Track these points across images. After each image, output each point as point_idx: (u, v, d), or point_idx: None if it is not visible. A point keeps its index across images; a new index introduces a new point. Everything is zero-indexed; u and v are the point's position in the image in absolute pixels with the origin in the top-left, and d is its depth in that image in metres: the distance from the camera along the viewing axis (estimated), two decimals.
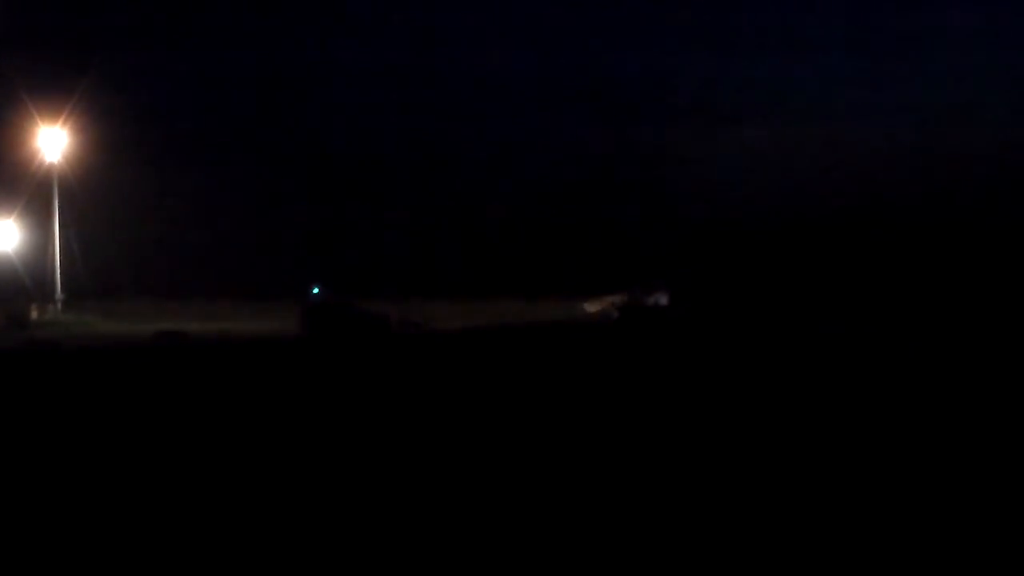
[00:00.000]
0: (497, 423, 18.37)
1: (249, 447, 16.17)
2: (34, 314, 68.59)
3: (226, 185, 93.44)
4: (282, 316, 66.90)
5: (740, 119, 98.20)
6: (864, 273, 68.53)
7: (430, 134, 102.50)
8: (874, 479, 12.94)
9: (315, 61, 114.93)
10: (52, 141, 75.20)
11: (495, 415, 19.42)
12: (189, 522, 11.21)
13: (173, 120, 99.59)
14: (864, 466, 13.72)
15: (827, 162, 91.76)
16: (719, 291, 66.19)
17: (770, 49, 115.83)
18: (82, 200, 75.72)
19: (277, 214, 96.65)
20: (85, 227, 76.84)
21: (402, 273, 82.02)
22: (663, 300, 66.40)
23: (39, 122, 74.66)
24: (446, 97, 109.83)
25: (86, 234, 76.81)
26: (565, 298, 72.90)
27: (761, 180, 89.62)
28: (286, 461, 14.77)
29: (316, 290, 72.31)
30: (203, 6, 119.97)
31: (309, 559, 9.86)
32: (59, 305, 72.85)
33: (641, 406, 20.45)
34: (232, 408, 21.62)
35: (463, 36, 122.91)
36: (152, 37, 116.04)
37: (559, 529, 10.63)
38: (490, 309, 66.90)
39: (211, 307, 71.88)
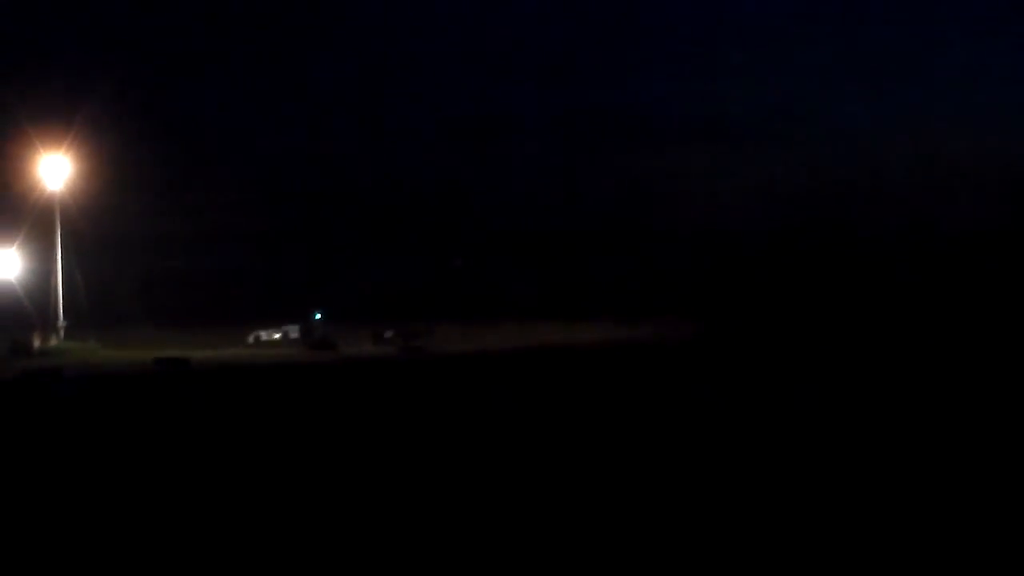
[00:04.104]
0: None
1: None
2: (37, 342, 68.57)
3: (227, 213, 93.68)
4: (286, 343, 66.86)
5: None
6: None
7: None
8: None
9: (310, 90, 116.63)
10: (54, 169, 75.35)
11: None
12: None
13: (175, 147, 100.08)
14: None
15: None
16: None
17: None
18: (84, 228, 75.84)
19: (277, 241, 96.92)
20: (87, 255, 76.95)
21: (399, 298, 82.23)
22: (294, 333, 69.99)
23: (41, 151, 74.82)
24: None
25: (88, 262, 76.92)
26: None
27: None
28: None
29: (317, 316, 72.25)
30: (212, 33, 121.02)
31: None
32: (61, 333, 72.84)
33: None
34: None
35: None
36: (155, 64, 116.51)
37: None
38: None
39: (212, 334, 71.73)
